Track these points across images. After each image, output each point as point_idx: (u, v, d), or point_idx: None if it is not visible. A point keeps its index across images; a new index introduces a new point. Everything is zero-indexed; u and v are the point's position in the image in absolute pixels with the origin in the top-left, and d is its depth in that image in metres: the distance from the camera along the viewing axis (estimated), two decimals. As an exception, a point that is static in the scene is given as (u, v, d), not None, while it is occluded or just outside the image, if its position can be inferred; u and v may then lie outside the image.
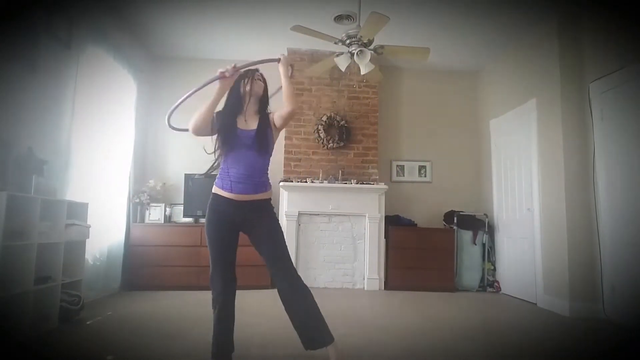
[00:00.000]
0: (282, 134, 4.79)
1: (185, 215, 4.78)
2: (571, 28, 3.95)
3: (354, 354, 2.48)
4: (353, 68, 4.47)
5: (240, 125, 2.06)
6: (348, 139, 5.03)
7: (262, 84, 2.14)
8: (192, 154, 5.16)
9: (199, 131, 2.01)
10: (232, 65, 1.99)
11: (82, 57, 3.63)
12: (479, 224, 5.04)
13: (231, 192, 2.02)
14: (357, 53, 3.32)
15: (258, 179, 2.06)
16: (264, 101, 2.16)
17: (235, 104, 2.09)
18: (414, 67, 5.53)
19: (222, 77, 1.97)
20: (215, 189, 2.10)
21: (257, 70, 2.16)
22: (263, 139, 2.06)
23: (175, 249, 4.50)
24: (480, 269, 4.98)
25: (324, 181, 4.78)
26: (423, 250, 4.80)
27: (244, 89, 2.09)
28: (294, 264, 2.14)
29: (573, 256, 3.72)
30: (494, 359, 2.51)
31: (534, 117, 4.31)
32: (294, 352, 2.44)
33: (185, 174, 4.82)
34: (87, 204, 3.37)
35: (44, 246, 2.85)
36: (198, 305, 3.75)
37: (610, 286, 3.50)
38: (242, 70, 2.07)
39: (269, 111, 2.17)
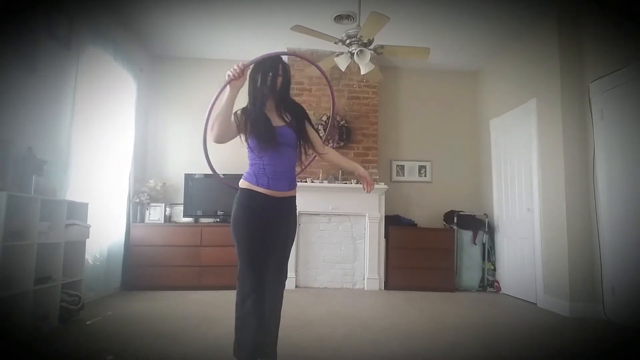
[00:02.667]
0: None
1: (185, 215, 4.79)
2: (571, 28, 3.95)
3: (354, 354, 2.49)
4: (353, 68, 4.48)
5: (274, 122, 1.98)
6: (348, 138, 5.03)
7: (281, 78, 2.00)
8: (192, 154, 5.18)
9: (223, 138, 1.90)
10: (239, 64, 1.85)
11: (82, 57, 3.63)
12: (479, 224, 5.04)
13: (268, 188, 1.95)
14: (357, 53, 3.33)
15: (292, 175, 2.04)
16: (284, 95, 2.06)
17: (261, 99, 1.96)
18: (414, 67, 5.53)
19: (229, 81, 1.84)
20: (247, 185, 1.97)
21: (277, 61, 1.98)
22: (305, 135, 2.06)
23: (175, 249, 4.50)
24: (480, 269, 4.98)
25: (324, 181, 4.78)
26: (423, 250, 4.80)
27: (264, 83, 1.95)
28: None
29: (573, 256, 3.72)
30: (494, 358, 2.52)
31: (534, 117, 4.31)
32: (294, 352, 2.44)
33: (185, 174, 4.82)
34: (87, 204, 3.37)
35: (44, 246, 2.85)
36: (198, 305, 3.75)
37: (610, 286, 3.50)
38: (253, 64, 1.92)
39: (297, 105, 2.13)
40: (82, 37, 3.63)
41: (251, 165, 2.00)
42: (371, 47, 3.44)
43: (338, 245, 4.79)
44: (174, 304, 3.78)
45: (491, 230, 5.06)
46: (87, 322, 3.07)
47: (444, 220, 5.21)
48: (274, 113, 2.03)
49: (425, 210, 5.33)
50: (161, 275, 4.43)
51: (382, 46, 3.46)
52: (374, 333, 2.93)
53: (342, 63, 3.45)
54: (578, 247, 3.72)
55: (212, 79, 5.35)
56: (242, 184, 2.00)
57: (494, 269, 5.00)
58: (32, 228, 2.69)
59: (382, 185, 4.77)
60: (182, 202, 4.81)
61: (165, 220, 4.73)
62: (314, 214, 4.78)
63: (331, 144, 4.95)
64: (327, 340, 2.73)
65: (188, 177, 4.79)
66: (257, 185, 1.95)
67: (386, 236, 4.81)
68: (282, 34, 4.56)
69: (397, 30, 4.28)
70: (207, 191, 4.79)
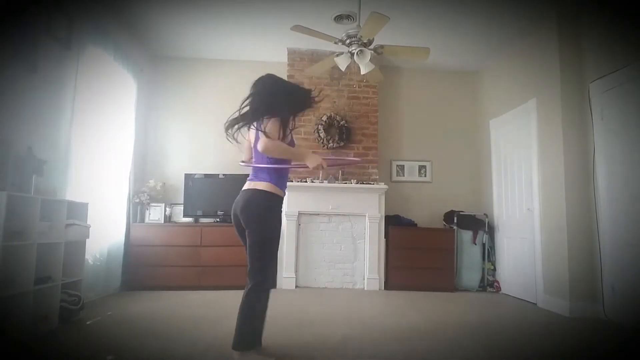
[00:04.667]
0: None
1: (185, 215, 4.79)
2: (571, 28, 3.95)
3: (354, 354, 2.49)
4: (353, 68, 4.48)
5: None
6: (348, 138, 5.03)
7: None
8: (192, 154, 5.19)
9: (271, 155, 2.14)
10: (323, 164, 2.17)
11: (82, 57, 3.63)
12: (479, 224, 5.04)
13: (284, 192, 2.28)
14: (357, 53, 3.32)
15: None
16: None
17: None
18: (414, 67, 5.53)
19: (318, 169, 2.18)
20: (274, 190, 2.18)
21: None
22: None
23: (175, 249, 4.50)
24: (480, 269, 4.98)
25: (324, 181, 4.78)
26: (423, 250, 4.79)
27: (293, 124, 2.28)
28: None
29: (573, 256, 3.72)
30: (494, 358, 2.52)
31: (534, 117, 4.31)
32: (294, 352, 2.44)
33: (185, 174, 4.82)
34: (87, 204, 3.37)
35: (44, 246, 2.85)
36: (198, 305, 3.75)
37: (610, 286, 3.50)
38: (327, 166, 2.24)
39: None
40: (82, 37, 3.63)
41: (275, 170, 2.18)
42: (371, 47, 3.44)
43: (338, 245, 4.78)
44: (174, 304, 3.78)
45: (491, 230, 5.06)
46: (87, 322, 3.07)
47: (444, 220, 5.21)
48: None
49: (425, 210, 5.33)
50: (161, 275, 4.43)
51: (382, 46, 3.46)
52: (374, 333, 2.93)
53: (342, 63, 3.45)
54: (578, 247, 3.72)
55: (212, 79, 5.36)
56: (273, 189, 2.17)
57: (494, 269, 5.00)
58: (32, 228, 2.69)
59: (382, 185, 4.77)
60: (182, 202, 4.81)
61: (165, 220, 4.73)
62: (314, 214, 4.78)
63: (332, 144, 4.95)
64: (327, 340, 2.73)
65: (188, 177, 4.79)
66: (282, 191, 2.22)
67: (386, 236, 4.80)
68: (282, 34, 4.56)
69: (397, 30, 4.28)
70: (207, 191, 4.79)
